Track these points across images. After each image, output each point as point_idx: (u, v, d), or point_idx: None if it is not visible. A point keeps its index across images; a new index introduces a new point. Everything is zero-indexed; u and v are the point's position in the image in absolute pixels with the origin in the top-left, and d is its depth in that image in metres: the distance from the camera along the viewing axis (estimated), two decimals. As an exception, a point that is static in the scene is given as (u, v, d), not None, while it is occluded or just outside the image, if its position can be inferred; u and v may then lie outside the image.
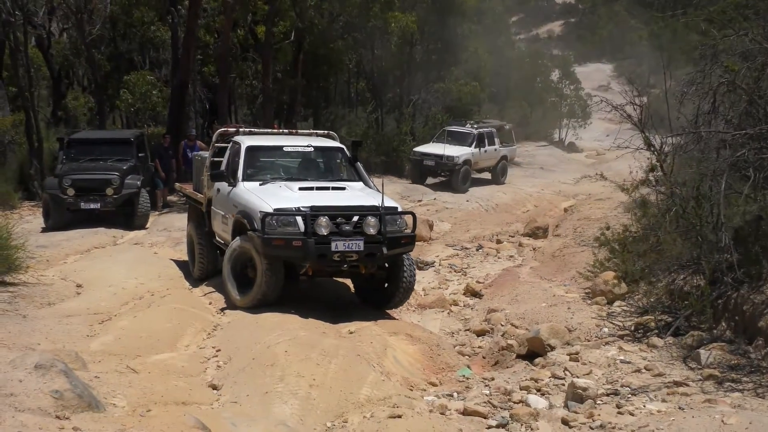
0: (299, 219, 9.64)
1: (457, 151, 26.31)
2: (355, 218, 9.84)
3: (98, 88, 27.39)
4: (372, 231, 9.79)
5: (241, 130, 12.37)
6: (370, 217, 9.84)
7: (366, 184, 11.37)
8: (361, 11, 27.99)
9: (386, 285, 10.71)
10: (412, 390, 7.89)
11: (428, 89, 34.02)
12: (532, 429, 6.86)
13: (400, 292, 10.60)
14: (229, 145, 11.75)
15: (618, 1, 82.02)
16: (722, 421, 6.39)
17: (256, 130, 13.07)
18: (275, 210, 9.70)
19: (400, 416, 6.79)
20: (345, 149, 11.98)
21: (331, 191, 10.61)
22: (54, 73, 28.10)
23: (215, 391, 7.33)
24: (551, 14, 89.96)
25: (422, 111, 33.69)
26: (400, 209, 10.41)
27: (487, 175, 28.27)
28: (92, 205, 16.63)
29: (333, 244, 9.62)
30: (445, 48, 33.27)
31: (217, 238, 11.91)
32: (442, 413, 7.19)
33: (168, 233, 16.33)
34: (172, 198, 19.99)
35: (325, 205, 9.91)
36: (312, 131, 13.50)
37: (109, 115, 28.58)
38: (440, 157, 26.15)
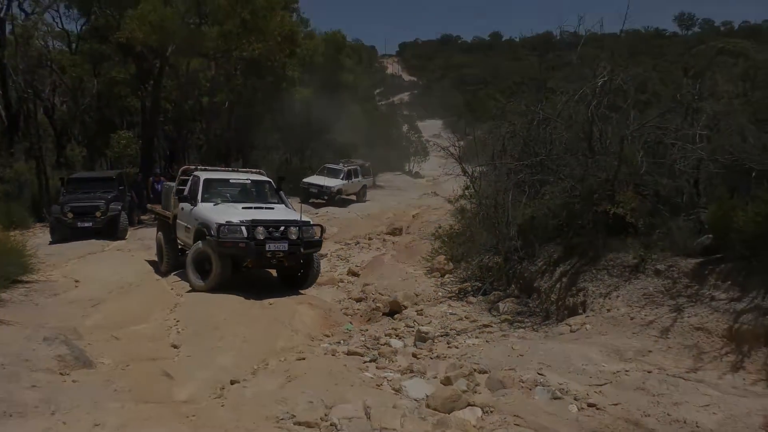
0: (243, 228, 9.47)
1: (333, 183, 26.18)
2: (282, 228, 9.74)
3: (89, 142, 26.94)
4: (293, 237, 9.72)
5: (198, 167, 12.05)
6: (292, 227, 9.77)
7: (286, 205, 11.22)
8: (274, 87, 27.73)
9: (300, 273, 10.60)
10: (312, 341, 7.83)
11: (320, 138, 33.79)
12: (393, 361, 6.92)
13: (311, 278, 10.60)
14: (191, 178, 11.40)
15: (444, 79, 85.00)
16: (512, 347, 6.64)
17: (209, 167, 12.72)
18: (226, 222, 9.50)
19: (304, 359, 6.75)
20: (272, 182, 11.79)
21: (264, 209, 10.44)
22: (56, 132, 26.71)
23: (176, 349, 7.07)
24: (402, 88, 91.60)
25: (317, 153, 33.43)
26: (311, 222, 10.31)
27: (353, 197, 27.86)
28: (86, 224, 15.93)
29: (267, 245, 9.51)
30: (332, 110, 33.11)
31: (179, 242, 11.57)
32: (333, 355, 7.17)
33: (141, 242, 15.67)
34: (143, 218, 19.31)
35: (261, 219, 9.76)
36: (248, 169, 13.19)
37: (98, 160, 27.55)
38: (321, 186, 25.95)
